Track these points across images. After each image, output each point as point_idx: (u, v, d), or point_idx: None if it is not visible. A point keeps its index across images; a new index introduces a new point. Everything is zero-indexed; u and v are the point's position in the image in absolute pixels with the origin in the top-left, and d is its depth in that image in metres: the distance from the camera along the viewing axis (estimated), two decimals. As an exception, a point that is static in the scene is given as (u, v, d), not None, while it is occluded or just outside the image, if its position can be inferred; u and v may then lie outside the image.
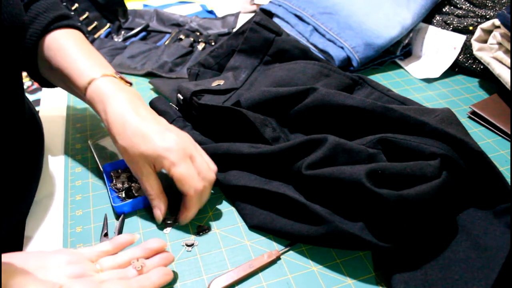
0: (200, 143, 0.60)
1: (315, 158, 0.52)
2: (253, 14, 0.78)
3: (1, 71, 0.50)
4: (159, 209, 0.54)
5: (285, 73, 0.68)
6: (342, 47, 0.81)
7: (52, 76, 0.62)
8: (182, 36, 0.93)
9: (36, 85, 1.64)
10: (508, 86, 0.70)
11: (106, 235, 0.54)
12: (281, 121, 0.63)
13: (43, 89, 0.82)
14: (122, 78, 0.58)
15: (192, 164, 0.52)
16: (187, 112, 0.66)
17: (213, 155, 0.59)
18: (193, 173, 0.52)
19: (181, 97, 0.65)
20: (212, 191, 0.59)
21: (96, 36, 0.92)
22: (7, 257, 0.42)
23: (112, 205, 0.57)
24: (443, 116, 0.56)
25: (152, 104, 0.68)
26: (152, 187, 0.53)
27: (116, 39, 0.94)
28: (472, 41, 0.76)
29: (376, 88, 0.67)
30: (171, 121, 0.64)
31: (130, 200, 0.57)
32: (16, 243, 0.60)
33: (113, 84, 0.56)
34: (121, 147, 0.53)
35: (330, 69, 0.69)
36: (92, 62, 0.58)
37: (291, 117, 0.63)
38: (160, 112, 0.65)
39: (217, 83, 0.68)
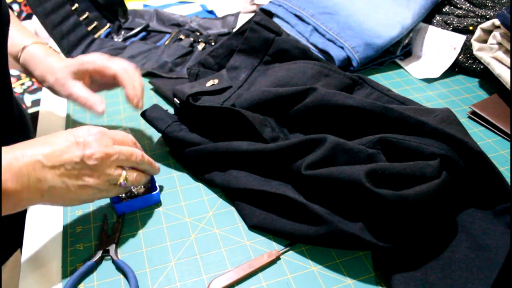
0: (199, 144, 0.60)
1: (314, 158, 0.52)
2: (253, 14, 0.78)
3: None
4: (98, 102, 0.59)
5: (285, 73, 0.68)
6: (342, 47, 0.81)
7: None
8: (182, 36, 0.93)
9: (36, 85, 1.64)
10: (508, 86, 0.70)
11: (106, 235, 0.54)
12: (281, 121, 0.63)
13: (43, 89, 0.82)
14: (50, 47, 0.65)
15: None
16: (186, 115, 0.66)
17: (212, 154, 0.59)
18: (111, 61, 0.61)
19: (178, 101, 0.65)
20: (212, 192, 0.59)
21: (96, 36, 0.92)
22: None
23: (112, 205, 0.58)
24: (443, 116, 0.56)
25: (145, 116, 0.65)
26: (81, 91, 0.59)
27: (116, 39, 0.94)
28: (472, 41, 0.76)
29: (376, 88, 0.67)
30: (166, 126, 0.63)
31: (130, 200, 0.57)
32: (16, 242, 0.60)
33: (44, 49, 0.63)
34: (51, 79, 0.60)
35: (330, 69, 0.69)
36: (23, 33, 0.64)
37: (290, 117, 0.63)
38: (152, 120, 0.64)
39: (211, 82, 0.67)
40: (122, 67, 0.60)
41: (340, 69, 0.70)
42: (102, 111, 0.60)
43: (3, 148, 0.43)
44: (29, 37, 0.64)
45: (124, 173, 0.51)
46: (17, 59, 0.63)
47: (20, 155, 0.43)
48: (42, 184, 0.44)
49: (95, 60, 0.61)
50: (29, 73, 0.63)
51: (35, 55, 0.62)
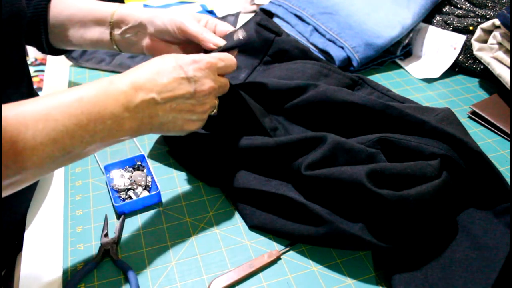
0: (197, 143, 0.60)
1: (314, 158, 0.52)
2: (253, 14, 0.78)
3: (12, 58, 0.54)
4: (212, 38, 0.57)
5: (285, 72, 0.68)
6: (342, 47, 0.81)
7: (64, 30, 0.66)
8: (182, 36, 0.92)
9: (36, 85, 1.64)
10: (508, 86, 0.70)
11: (106, 235, 0.54)
12: (279, 114, 0.63)
13: (44, 89, 0.83)
14: None
15: None
16: None
17: (211, 152, 0.59)
18: None
19: None
20: (213, 192, 0.59)
21: (96, 36, 0.92)
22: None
23: (113, 205, 0.58)
24: (443, 115, 0.56)
25: None
26: (201, 26, 0.58)
27: (116, 39, 0.94)
28: (472, 41, 0.76)
29: (376, 88, 0.67)
30: None
31: (131, 200, 0.57)
32: (16, 242, 0.60)
33: (135, 5, 0.63)
34: (165, 18, 0.59)
35: (329, 69, 0.69)
36: (104, 3, 0.65)
37: (290, 109, 0.62)
38: None
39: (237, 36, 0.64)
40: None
41: (340, 69, 0.70)
42: (218, 43, 0.57)
43: (112, 80, 0.45)
44: (112, 4, 0.65)
45: (217, 102, 0.53)
46: (106, 23, 0.63)
47: (134, 92, 0.44)
48: (153, 120, 0.47)
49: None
50: (120, 32, 0.63)
51: (132, 8, 0.62)
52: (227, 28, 0.59)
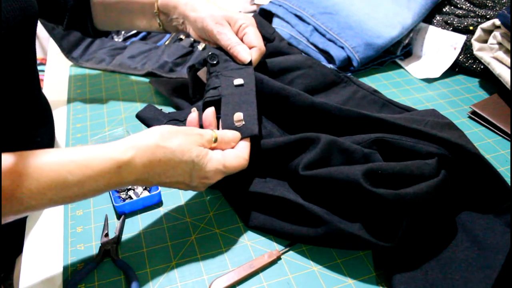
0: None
1: (311, 159, 0.52)
2: (253, 14, 0.78)
3: (24, 60, 0.55)
4: (244, 50, 0.60)
5: (269, 61, 0.69)
6: (342, 47, 0.81)
7: (108, 15, 0.70)
8: (182, 36, 0.93)
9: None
10: (508, 86, 0.70)
11: (106, 235, 0.54)
12: (272, 118, 0.63)
13: (43, 89, 0.83)
14: None
15: None
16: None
17: None
18: None
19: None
20: (210, 192, 0.59)
21: (96, 36, 0.92)
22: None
23: (113, 205, 0.58)
24: (432, 123, 0.56)
25: (139, 117, 0.64)
26: (231, 36, 0.60)
27: (116, 39, 0.94)
28: (473, 41, 0.76)
29: (362, 87, 0.68)
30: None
31: (131, 200, 0.57)
32: (16, 243, 0.60)
33: None
34: (203, 13, 0.62)
35: (314, 62, 0.70)
36: None
37: (284, 113, 0.62)
38: (146, 120, 0.63)
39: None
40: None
41: (324, 65, 0.71)
42: (245, 60, 0.59)
43: (121, 166, 0.44)
44: None
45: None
46: (151, 11, 0.67)
47: (134, 182, 0.46)
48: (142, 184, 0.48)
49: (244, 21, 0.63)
50: (164, 17, 0.67)
51: None
52: (253, 39, 0.61)
